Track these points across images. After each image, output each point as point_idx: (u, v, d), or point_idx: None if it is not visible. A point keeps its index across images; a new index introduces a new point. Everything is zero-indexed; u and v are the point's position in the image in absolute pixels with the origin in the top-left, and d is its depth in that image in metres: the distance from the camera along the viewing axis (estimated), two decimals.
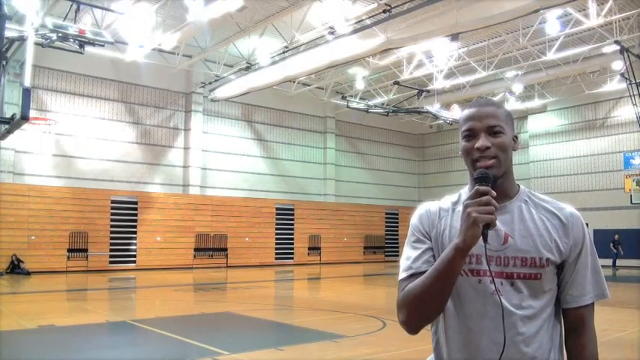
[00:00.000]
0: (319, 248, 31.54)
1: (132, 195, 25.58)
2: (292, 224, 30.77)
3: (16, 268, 21.65)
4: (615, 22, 20.48)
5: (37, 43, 13.27)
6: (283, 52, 21.95)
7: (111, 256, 24.68)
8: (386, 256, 34.79)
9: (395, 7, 17.84)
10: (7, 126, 9.96)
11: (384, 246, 34.99)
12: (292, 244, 30.76)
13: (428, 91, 28.42)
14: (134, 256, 25.27)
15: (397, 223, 35.89)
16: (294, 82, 27.36)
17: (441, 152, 38.28)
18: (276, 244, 29.92)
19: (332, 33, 19.23)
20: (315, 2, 18.62)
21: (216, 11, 17.14)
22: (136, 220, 25.44)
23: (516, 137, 1.77)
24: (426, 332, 1.90)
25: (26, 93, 8.96)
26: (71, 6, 16.52)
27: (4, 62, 10.10)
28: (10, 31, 11.01)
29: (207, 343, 8.29)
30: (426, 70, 25.67)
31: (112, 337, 9.67)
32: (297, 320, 11.46)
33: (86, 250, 23.86)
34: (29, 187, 23.00)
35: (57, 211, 23.27)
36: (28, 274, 21.45)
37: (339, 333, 9.14)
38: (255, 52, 23.29)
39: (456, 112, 29.68)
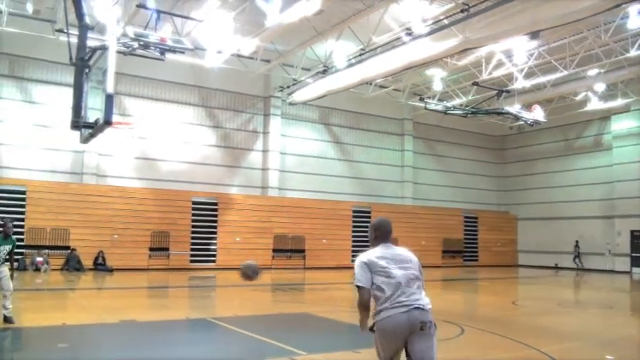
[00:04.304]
0: None
1: (212, 196, 26.26)
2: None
3: (100, 264, 22.60)
4: None
5: (118, 52, 13.71)
6: (360, 55, 21.93)
7: (191, 255, 25.45)
8: (464, 260, 34.09)
9: (473, 6, 17.43)
10: (90, 130, 10.44)
11: (462, 250, 34.31)
12: (369, 246, 30.50)
13: (508, 92, 27.61)
14: (214, 255, 25.93)
15: (476, 227, 35.11)
16: (370, 84, 27.32)
17: (521, 154, 37.12)
18: (353, 246, 29.83)
19: (409, 34, 19.05)
20: (391, 4, 18.49)
21: (293, 15, 17.31)
22: (216, 221, 26.10)
23: None
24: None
25: (109, 99, 9.37)
26: (152, 15, 17.05)
27: (87, 70, 10.60)
28: (93, 40, 11.57)
29: (285, 343, 8.38)
30: (506, 69, 24.99)
31: (191, 333, 9.94)
32: None
33: (167, 249, 24.69)
34: (112, 188, 24.06)
35: (139, 211, 24.22)
36: (111, 271, 22.36)
37: None
38: (331, 55, 23.36)
39: (538, 113, 28.72)
